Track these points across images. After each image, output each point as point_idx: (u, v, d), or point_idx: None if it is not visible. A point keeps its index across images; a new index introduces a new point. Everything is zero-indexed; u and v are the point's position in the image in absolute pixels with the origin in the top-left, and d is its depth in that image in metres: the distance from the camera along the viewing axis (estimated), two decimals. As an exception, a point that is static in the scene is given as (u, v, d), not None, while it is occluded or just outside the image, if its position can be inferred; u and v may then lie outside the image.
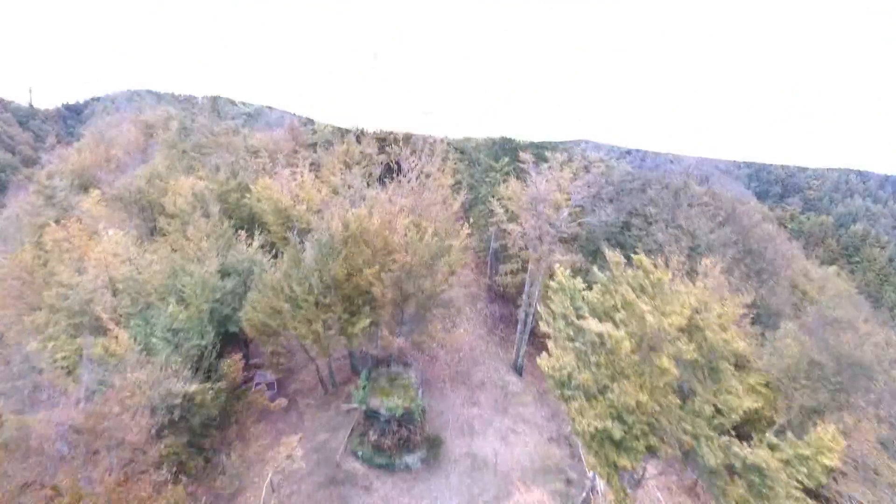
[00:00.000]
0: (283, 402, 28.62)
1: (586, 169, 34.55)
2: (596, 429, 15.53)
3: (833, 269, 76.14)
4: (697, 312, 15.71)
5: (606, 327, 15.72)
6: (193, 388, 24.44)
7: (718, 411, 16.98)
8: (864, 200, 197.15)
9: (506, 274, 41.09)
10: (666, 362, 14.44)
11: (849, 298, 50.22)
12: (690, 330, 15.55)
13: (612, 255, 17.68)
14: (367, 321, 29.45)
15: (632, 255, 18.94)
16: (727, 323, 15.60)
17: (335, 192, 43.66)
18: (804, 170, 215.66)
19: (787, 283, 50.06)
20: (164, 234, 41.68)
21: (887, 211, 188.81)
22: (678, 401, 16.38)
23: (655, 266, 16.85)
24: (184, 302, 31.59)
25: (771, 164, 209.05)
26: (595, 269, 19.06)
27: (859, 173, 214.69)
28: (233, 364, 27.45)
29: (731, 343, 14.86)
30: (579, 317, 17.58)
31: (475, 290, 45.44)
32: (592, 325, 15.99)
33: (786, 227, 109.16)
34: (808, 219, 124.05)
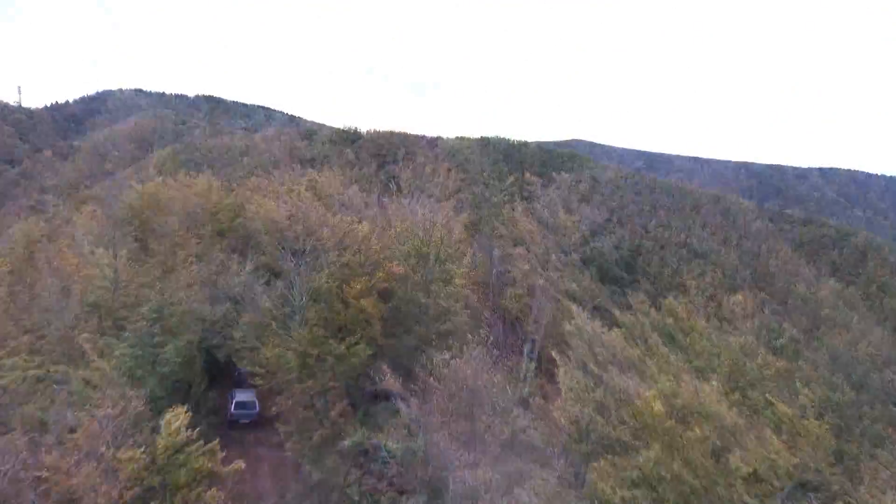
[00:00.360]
0: (240, 465, 21.60)
1: (595, 189, 33.18)
2: (623, 499, 13.79)
3: (833, 281, 75.01)
4: (736, 364, 14.09)
5: (633, 382, 14.08)
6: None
7: (756, 470, 15.25)
8: (864, 212, 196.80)
9: (511, 298, 39.46)
10: (708, 431, 12.77)
11: (862, 316, 48.83)
12: (729, 387, 13.91)
13: (637, 300, 16.14)
14: (365, 354, 27.86)
15: (647, 288, 17.36)
16: (769, 374, 13.95)
17: (332, 211, 42.27)
18: (805, 180, 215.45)
19: (800, 302, 48.65)
20: (154, 255, 40.21)
21: (888, 223, 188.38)
22: (711, 461, 14.64)
23: (686, 312, 15.25)
24: (171, 331, 30.06)
25: (771, 175, 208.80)
26: (617, 311, 17.52)
27: (859, 183, 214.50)
28: (176, 419, 19.12)
29: (777, 406, 13.18)
30: (599, 364, 15.94)
31: (478, 314, 43.66)
32: (616, 378, 14.34)
33: (787, 238, 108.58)
34: (809, 230, 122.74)
